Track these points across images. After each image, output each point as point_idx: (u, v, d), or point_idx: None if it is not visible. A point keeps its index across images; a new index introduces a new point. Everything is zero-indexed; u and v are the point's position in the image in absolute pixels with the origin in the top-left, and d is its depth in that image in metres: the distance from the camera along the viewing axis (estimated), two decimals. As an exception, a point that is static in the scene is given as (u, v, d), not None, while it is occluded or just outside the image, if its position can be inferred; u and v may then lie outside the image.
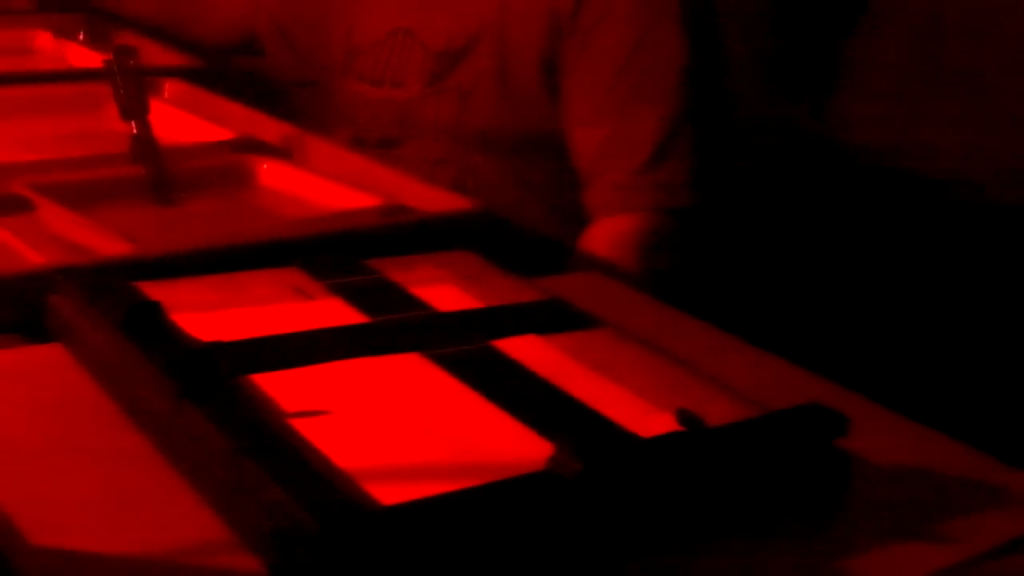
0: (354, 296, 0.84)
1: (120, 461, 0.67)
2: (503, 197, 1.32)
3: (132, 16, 1.72)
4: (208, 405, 0.65)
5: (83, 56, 1.52)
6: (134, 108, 1.14)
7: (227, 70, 1.65)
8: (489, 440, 0.67)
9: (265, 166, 1.15)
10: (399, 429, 0.68)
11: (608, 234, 1.27)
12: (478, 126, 1.35)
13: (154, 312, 0.74)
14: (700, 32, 1.29)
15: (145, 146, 1.12)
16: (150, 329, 0.73)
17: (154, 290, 0.79)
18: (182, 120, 1.28)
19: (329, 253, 0.90)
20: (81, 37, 1.63)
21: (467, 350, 0.77)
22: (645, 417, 0.69)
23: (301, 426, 0.66)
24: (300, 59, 1.61)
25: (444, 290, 0.87)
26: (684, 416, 0.68)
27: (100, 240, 0.93)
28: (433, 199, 1.06)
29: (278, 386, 0.70)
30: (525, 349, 0.78)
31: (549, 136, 1.33)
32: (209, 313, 0.79)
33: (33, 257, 0.92)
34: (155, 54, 1.48)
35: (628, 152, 1.27)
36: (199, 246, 0.92)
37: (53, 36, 1.60)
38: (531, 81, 1.32)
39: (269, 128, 1.23)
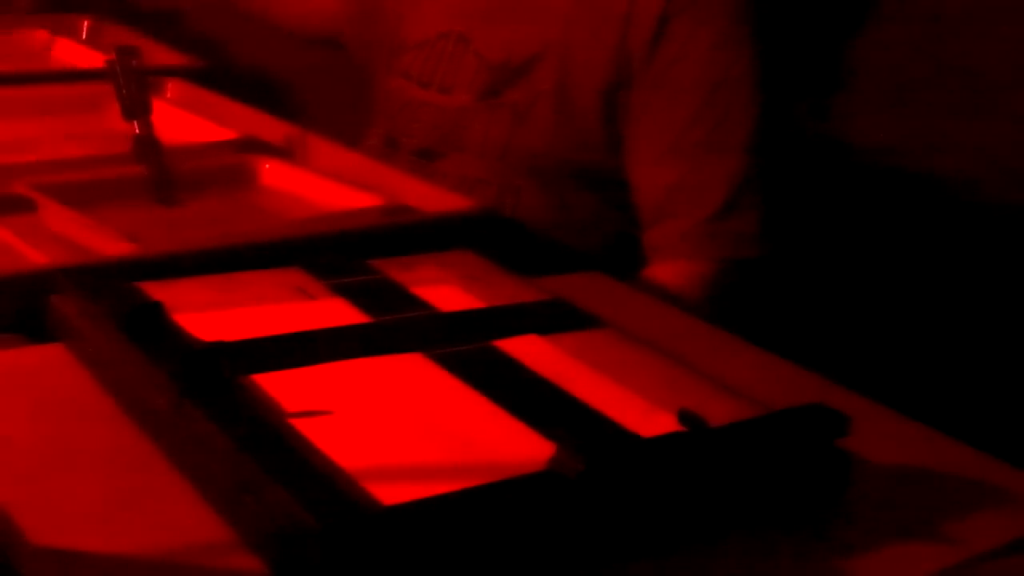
0: (356, 296, 0.84)
1: (121, 461, 0.67)
2: (543, 224, 1.30)
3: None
4: (210, 405, 0.66)
5: (85, 56, 1.52)
6: (136, 108, 1.14)
7: (229, 70, 1.64)
8: (490, 440, 0.67)
9: (267, 166, 1.15)
10: (401, 429, 0.68)
11: (672, 278, 1.25)
12: (529, 149, 1.31)
13: (156, 312, 0.75)
14: (772, 77, 1.28)
15: (147, 146, 1.12)
16: (152, 329, 0.73)
17: (156, 290, 0.79)
18: (184, 120, 1.28)
19: (331, 253, 0.90)
20: (84, 37, 1.63)
21: (469, 350, 0.77)
22: (646, 417, 0.70)
23: (303, 426, 0.66)
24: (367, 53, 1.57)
25: (446, 290, 0.87)
26: (685, 416, 0.68)
27: (102, 240, 0.93)
28: (435, 199, 1.06)
29: (280, 386, 0.70)
30: (527, 349, 0.78)
31: (599, 168, 1.30)
32: (211, 313, 0.79)
33: (35, 257, 0.92)
34: (157, 54, 1.48)
35: (699, 200, 1.25)
36: (201, 246, 0.92)
37: (55, 36, 1.60)
38: (591, 109, 1.29)
39: (271, 128, 1.23)
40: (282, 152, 1.20)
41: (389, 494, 0.59)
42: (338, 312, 0.82)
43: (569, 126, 1.30)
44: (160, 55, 1.48)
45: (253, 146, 1.20)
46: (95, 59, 1.42)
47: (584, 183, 1.32)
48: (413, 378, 0.73)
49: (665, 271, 1.27)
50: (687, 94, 1.26)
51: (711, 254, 1.25)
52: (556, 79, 1.30)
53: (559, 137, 1.31)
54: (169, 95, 1.35)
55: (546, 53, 1.31)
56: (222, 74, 1.48)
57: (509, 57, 1.33)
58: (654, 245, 1.28)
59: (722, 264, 1.26)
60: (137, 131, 1.13)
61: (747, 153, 1.26)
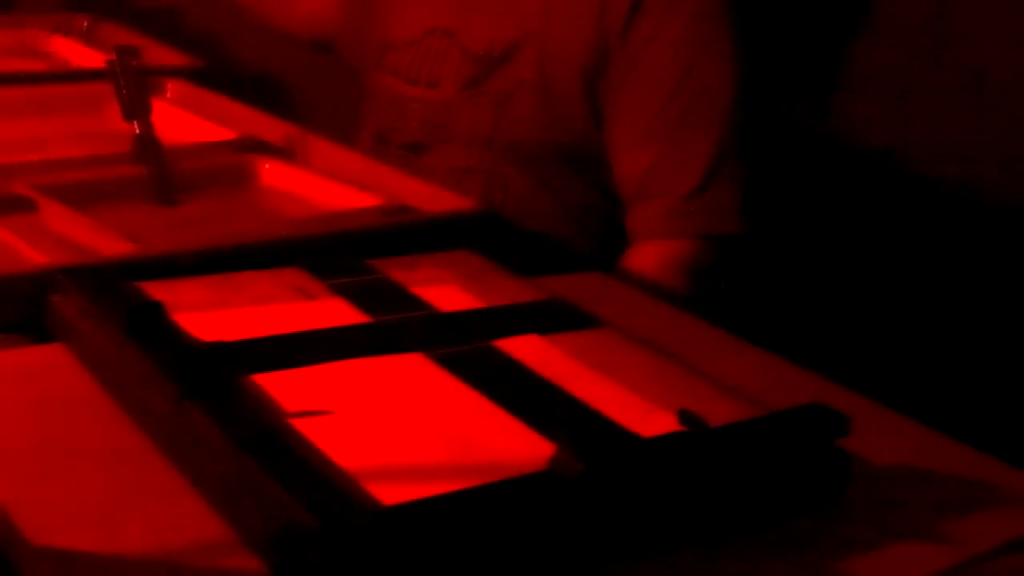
0: (356, 296, 0.84)
1: (121, 461, 0.67)
2: (532, 210, 1.31)
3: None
4: (210, 405, 0.66)
5: (85, 56, 1.52)
6: (136, 108, 1.14)
7: (229, 70, 1.64)
8: (490, 440, 0.67)
9: (267, 166, 1.15)
10: (400, 429, 0.68)
11: (654, 258, 1.25)
12: (514, 136, 1.32)
13: (156, 312, 0.75)
14: (749, 55, 1.28)
15: (147, 146, 1.12)
16: (152, 329, 0.73)
17: (156, 290, 0.79)
18: (184, 120, 1.28)
19: (331, 253, 0.90)
20: (83, 37, 1.63)
21: (468, 350, 0.77)
22: (646, 417, 0.70)
23: (302, 426, 0.66)
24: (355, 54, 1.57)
25: (445, 290, 0.87)
26: (685, 416, 0.68)
27: (102, 240, 0.93)
28: (435, 199, 1.06)
29: (280, 386, 0.70)
30: (526, 349, 0.78)
31: (585, 152, 1.31)
32: (211, 313, 0.79)
33: (35, 257, 0.92)
34: (157, 54, 1.48)
35: (677, 177, 1.25)
36: (201, 246, 0.92)
37: (55, 36, 1.60)
38: (572, 94, 1.29)
39: (271, 128, 1.23)
40: (282, 152, 1.20)
41: (389, 494, 0.59)
42: (338, 312, 0.82)
43: (551, 112, 1.31)
44: (160, 55, 1.48)
45: (253, 146, 1.20)
46: (95, 59, 1.42)
47: (572, 169, 1.33)
48: (413, 378, 0.73)
49: (646, 252, 1.27)
50: (662, 75, 1.27)
51: (691, 231, 1.26)
52: (536, 66, 1.31)
53: (542, 123, 1.31)
54: (169, 95, 1.35)
55: (526, 41, 1.32)
56: (222, 74, 1.48)
57: (491, 47, 1.34)
58: (635, 227, 1.28)
59: (703, 241, 1.26)
60: (137, 131, 1.13)
61: (724, 130, 1.26)
